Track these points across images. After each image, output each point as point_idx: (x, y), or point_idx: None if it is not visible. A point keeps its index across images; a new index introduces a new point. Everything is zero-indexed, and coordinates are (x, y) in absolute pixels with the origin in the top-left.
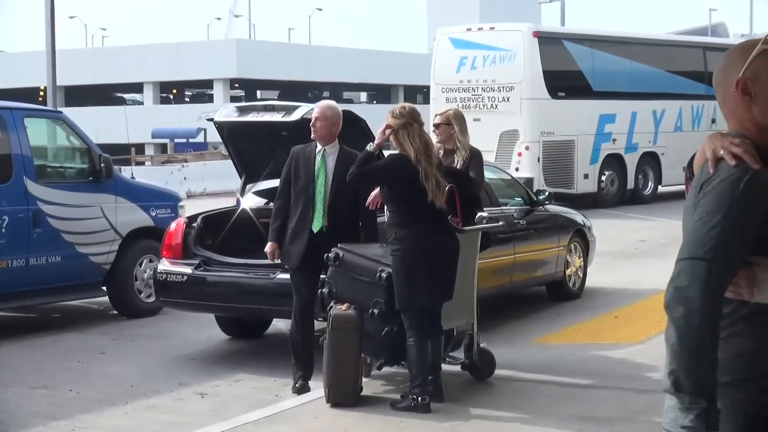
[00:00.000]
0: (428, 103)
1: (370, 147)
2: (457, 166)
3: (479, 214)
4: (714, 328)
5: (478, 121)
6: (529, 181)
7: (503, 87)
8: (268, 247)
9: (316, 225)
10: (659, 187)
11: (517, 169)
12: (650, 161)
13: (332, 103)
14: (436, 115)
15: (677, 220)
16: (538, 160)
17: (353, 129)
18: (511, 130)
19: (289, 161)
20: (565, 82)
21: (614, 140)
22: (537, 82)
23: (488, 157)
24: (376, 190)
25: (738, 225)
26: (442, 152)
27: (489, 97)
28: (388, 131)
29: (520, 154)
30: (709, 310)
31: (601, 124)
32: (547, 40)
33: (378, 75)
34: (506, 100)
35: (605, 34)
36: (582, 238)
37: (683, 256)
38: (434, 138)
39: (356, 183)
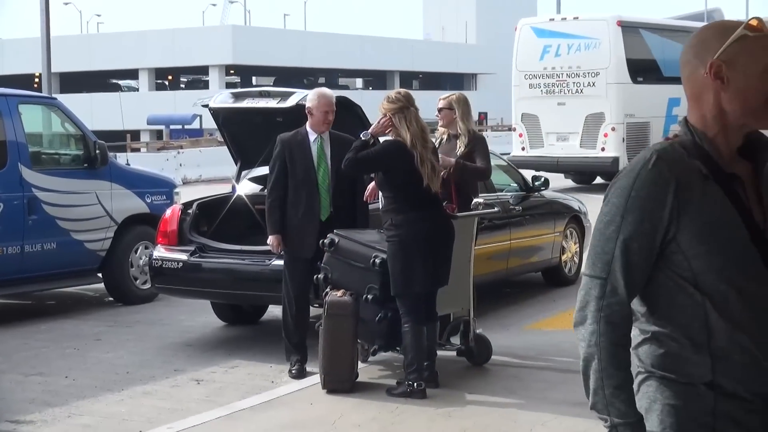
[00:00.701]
0: (423, 89)
1: (365, 135)
2: (458, 152)
3: (475, 200)
4: (614, 351)
5: (562, 105)
6: (615, 160)
7: (588, 73)
8: (273, 240)
9: (324, 213)
10: None
11: (603, 149)
12: None
13: (329, 90)
14: (439, 100)
15: None
16: (623, 141)
17: (348, 115)
18: (597, 113)
19: (280, 150)
20: (642, 68)
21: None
22: (621, 68)
23: (573, 140)
24: (372, 185)
25: (632, 232)
26: (445, 137)
27: (574, 83)
28: (386, 121)
29: (606, 135)
30: (607, 332)
31: (669, 107)
32: (628, 29)
33: (373, 61)
34: (592, 84)
35: (674, 24)
36: (578, 224)
37: (583, 270)
38: (439, 122)
39: (352, 169)
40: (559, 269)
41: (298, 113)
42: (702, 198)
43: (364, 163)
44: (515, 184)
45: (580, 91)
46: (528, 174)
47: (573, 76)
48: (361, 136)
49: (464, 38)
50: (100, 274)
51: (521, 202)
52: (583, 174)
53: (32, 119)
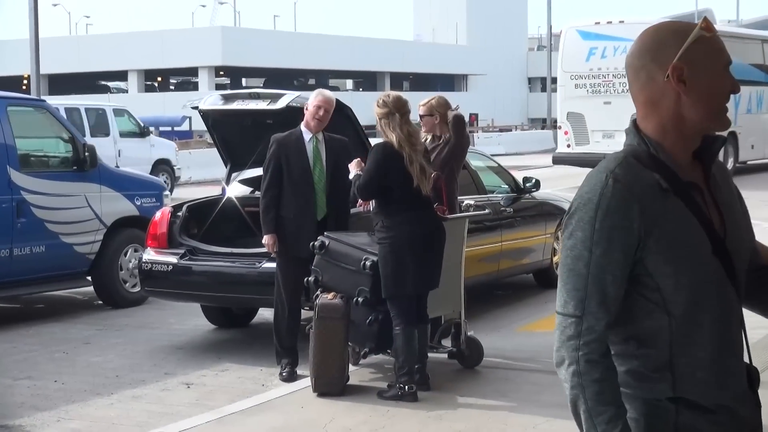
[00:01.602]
0: (413, 90)
1: (351, 176)
2: (443, 151)
3: (466, 201)
4: (598, 389)
5: (608, 104)
6: None
7: None
8: (269, 239)
9: (320, 214)
10: (736, 164)
11: None
12: (732, 140)
13: (329, 91)
14: (420, 106)
15: None
16: None
17: (339, 117)
18: None
19: (275, 150)
20: None
21: None
22: None
23: (619, 137)
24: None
25: (602, 264)
26: (429, 139)
27: (620, 83)
28: (357, 162)
29: None
30: (588, 372)
31: None
32: None
33: (364, 62)
34: None
35: (720, 29)
36: None
37: (556, 307)
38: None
39: (366, 197)
40: (551, 271)
41: (289, 115)
42: (664, 215)
43: (367, 183)
44: (506, 186)
45: (625, 91)
46: (519, 175)
47: (619, 76)
48: (351, 178)
49: (455, 39)
50: (89, 277)
51: (512, 204)
52: None
53: (21, 121)
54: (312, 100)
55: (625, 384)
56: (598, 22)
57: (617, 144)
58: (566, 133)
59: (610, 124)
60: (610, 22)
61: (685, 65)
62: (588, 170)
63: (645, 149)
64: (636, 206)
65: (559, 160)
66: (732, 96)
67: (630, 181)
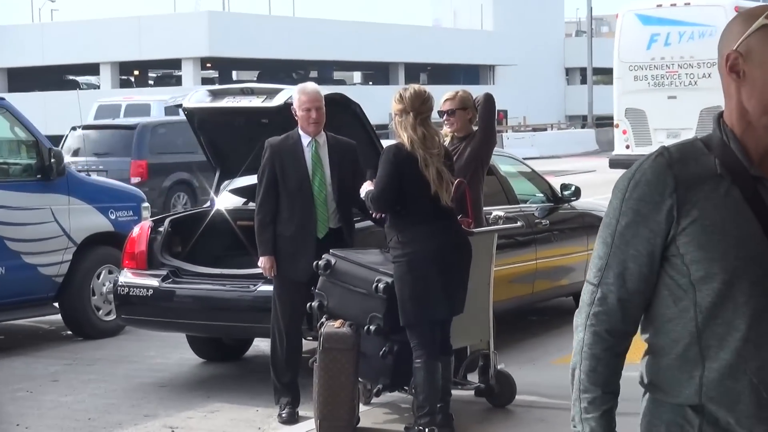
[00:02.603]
0: (432, 83)
1: (362, 192)
2: (466, 151)
3: (494, 212)
4: (594, 366)
5: (673, 98)
6: None
7: (704, 63)
8: (266, 262)
9: (321, 230)
10: None
11: None
12: None
13: (313, 83)
14: (446, 100)
15: None
16: None
17: (345, 115)
18: (714, 107)
19: (269, 157)
20: None
21: None
22: None
23: (687, 136)
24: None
25: (627, 237)
26: (448, 140)
27: (687, 74)
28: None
29: None
30: (590, 344)
31: None
32: None
33: (374, 51)
34: (707, 76)
35: None
36: None
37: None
38: (446, 128)
39: (382, 210)
40: None
41: (287, 114)
42: (711, 199)
43: (382, 192)
44: (541, 194)
45: (693, 83)
46: (556, 182)
47: (685, 66)
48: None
49: (479, 24)
50: (56, 304)
51: (548, 215)
52: None
53: None
54: (296, 104)
55: (656, 382)
56: (660, 5)
57: None
58: (624, 132)
59: (675, 121)
60: (674, 5)
61: (740, 55)
62: None
63: (719, 136)
64: (671, 182)
65: (616, 163)
66: None
67: (677, 159)
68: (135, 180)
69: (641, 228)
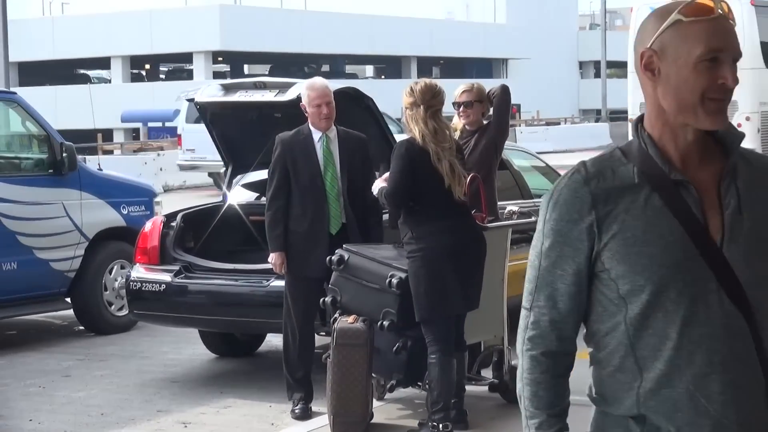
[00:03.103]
0: (445, 77)
1: (375, 188)
2: (480, 143)
3: (509, 207)
4: (534, 390)
5: None
6: None
7: None
8: (276, 258)
9: (334, 226)
10: None
11: None
12: None
13: (321, 79)
14: (462, 92)
15: None
16: (758, 131)
17: (358, 109)
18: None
19: (281, 153)
20: None
21: None
22: (755, 52)
23: None
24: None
25: (551, 258)
26: (458, 134)
27: None
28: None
29: (739, 125)
30: (529, 369)
31: None
32: (763, 10)
33: (386, 45)
34: None
35: None
36: None
37: None
38: (458, 120)
39: (395, 207)
40: None
41: (300, 108)
42: (628, 210)
43: (396, 187)
44: None
45: None
46: None
47: None
48: (375, 194)
49: (493, 17)
50: (68, 299)
51: None
52: None
53: None
54: (306, 100)
55: (600, 393)
56: None
57: None
58: None
59: None
60: None
61: (655, 53)
62: None
63: (637, 142)
64: (588, 199)
65: None
66: None
67: (593, 174)
68: None
69: (564, 248)
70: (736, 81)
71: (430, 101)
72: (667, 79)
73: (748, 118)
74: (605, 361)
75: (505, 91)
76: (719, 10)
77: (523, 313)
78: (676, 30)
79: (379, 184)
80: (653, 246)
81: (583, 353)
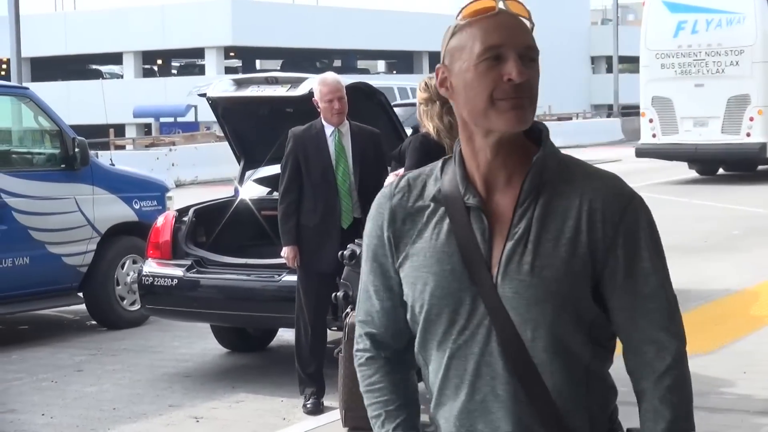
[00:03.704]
0: None
1: (387, 182)
2: None
3: None
4: (366, 401)
5: (700, 86)
6: (763, 147)
7: (731, 50)
8: (289, 251)
9: (346, 220)
10: None
11: (748, 135)
12: None
13: (333, 74)
14: None
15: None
16: None
17: (370, 104)
18: (742, 95)
19: (293, 147)
20: None
21: None
22: (767, 46)
23: (713, 125)
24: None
25: (366, 272)
26: None
27: (714, 62)
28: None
29: (752, 119)
30: (360, 379)
31: None
32: None
33: (398, 40)
34: (735, 64)
35: None
36: None
37: None
38: None
39: None
40: None
41: (311, 103)
42: (420, 232)
43: None
44: None
45: (721, 71)
46: None
47: (713, 54)
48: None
49: None
50: (80, 294)
51: None
52: (725, 163)
53: (0, 113)
54: (318, 96)
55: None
56: None
57: (712, 133)
58: (651, 120)
59: (702, 109)
60: None
61: (446, 68)
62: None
63: (451, 158)
64: (387, 215)
65: (643, 152)
66: None
67: (403, 187)
68: None
69: (373, 263)
70: (524, 75)
71: (444, 97)
72: (458, 89)
73: (760, 112)
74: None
75: None
76: (500, 6)
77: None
78: (458, 37)
79: (391, 179)
80: (431, 273)
81: None
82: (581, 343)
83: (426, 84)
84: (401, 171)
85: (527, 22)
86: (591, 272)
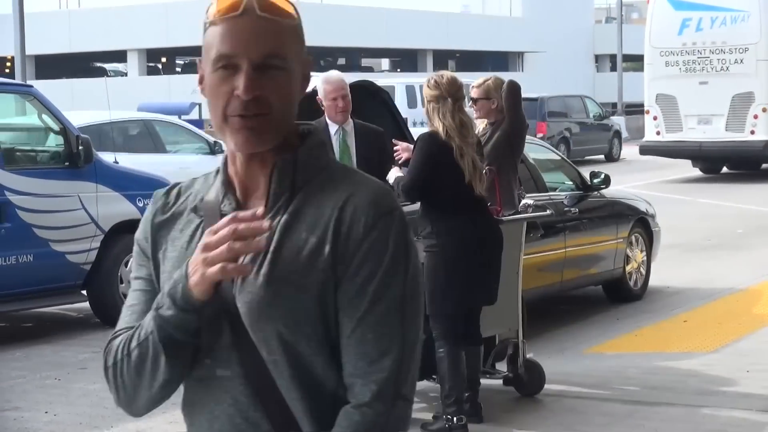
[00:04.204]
0: (460, 70)
1: (391, 178)
2: (494, 137)
3: (524, 201)
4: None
5: (705, 84)
6: (766, 144)
7: (735, 48)
8: None
9: None
10: None
11: (752, 132)
12: None
13: (336, 72)
14: (473, 87)
15: (759, 207)
16: None
17: (374, 102)
18: (746, 93)
19: None
20: None
21: None
22: None
23: (717, 122)
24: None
25: (134, 273)
26: (481, 127)
27: (719, 60)
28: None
29: (756, 117)
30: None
31: None
32: None
33: (402, 38)
34: (739, 61)
35: None
36: (645, 228)
37: None
38: (473, 114)
39: (412, 199)
40: (623, 282)
41: (315, 101)
42: (174, 241)
43: (415, 180)
44: (570, 182)
45: (725, 69)
46: (585, 170)
47: (717, 52)
48: (392, 182)
49: (509, 10)
50: (84, 292)
51: (578, 203)
52: (729, 160)
53: (4, 110)
54: (322, 94)
55: None
56: None
57: (716, 130)
58: (655, 118)
59: (706, 107)
60: None
61: (200, 63)
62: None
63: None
64: (150, 218)
65: (647, 149)
66: None
67: (168, 191)
68: None
69: (142, 269)
70: (252, 91)
71: (456, 94)
72: (207, 92)
73: (764, 110)
74: None
75: (510, 88)
76: (246, 5)
77: None
78: (207, 34)
79: (395, 174)
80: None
81: (591, 348)
82: (324, 366)
83: (436, 81)
84: (398, 171)
85: (289, 21)
86: (333, 288)
